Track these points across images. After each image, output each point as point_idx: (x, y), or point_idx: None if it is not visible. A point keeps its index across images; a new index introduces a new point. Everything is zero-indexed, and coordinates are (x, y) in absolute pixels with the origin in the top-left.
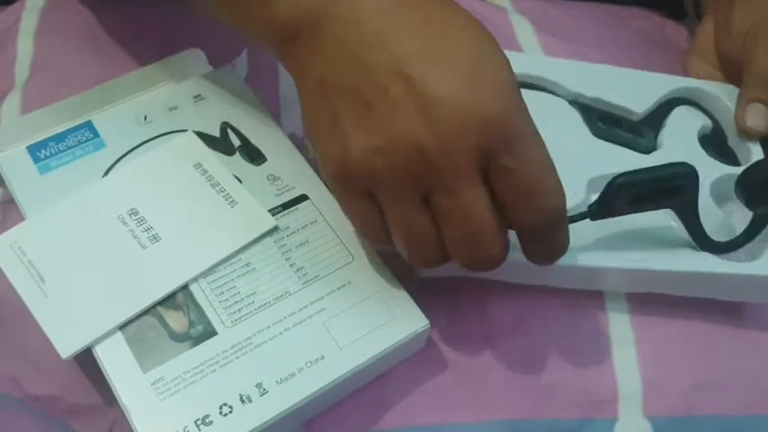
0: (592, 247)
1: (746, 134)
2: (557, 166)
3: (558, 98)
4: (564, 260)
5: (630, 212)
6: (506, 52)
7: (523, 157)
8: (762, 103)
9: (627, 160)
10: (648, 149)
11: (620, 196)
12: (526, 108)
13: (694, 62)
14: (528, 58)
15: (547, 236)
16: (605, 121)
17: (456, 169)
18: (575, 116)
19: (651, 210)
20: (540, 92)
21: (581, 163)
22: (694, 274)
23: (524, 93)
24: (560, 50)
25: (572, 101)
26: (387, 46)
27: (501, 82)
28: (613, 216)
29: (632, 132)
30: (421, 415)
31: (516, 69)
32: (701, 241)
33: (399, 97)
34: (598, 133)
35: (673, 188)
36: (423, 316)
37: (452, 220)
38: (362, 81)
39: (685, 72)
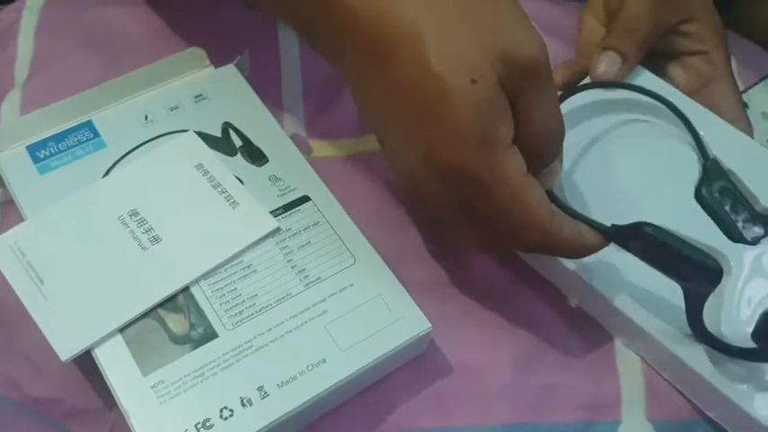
0: (615, 274)
1: (597, 81)
2: (640, 199)
3: (693, 152)
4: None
5: (640, 259)
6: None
7: (487, 202)
8: (616, 52)
9: (703, 232)
10: (740, 239)
11: (638, 241)
12: (493, 153)
13: (587, 18)
14: (694, 109)
15: (539, 252)
16: (723, 194)
17: (440, 205)
18: (693, 171)
19: (660, 272)
20: (683, 139)
21: (662, 214)
22: (681, 362)
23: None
24: (564, 54)
25: (706, 160)
26: (382, 95)
27: (464, 133)
28: (626, 250)
29: (743, 220)
30: (423, 418)
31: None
32: (697, 332)
33: (388, 145)
34: (702, 198)
35: (687, 273)
36: (425, 319)
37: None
38: (377, 123)
39: (579, 29)
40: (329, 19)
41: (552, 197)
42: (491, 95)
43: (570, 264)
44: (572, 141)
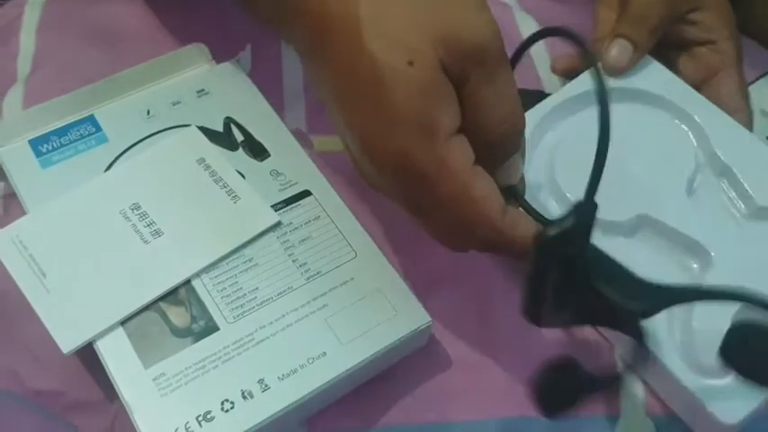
0: None
1: (608, 70)
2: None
3: (690, 142)
4: None
5: None
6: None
7: (430, 195)
8: (627, 39)
9: (691, 226)
10: None
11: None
12: (433, 141)
13: (601, 10)
14: (695, 100)
15: (493, 252)
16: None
17: (393, 197)
18: (689, 161)
19: None
20: (684, 131)
21: (654, 205)
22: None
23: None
24: (564, 50)
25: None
26: (327, 83)
27: (400, 120)
28: None
29: None
30: (422, 412)
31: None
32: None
33: (338, 132)
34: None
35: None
36: (425, 313)
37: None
38: (328, 109)
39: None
40: (283, 8)
41: (516, 195)
42: (430, 78)
43: None
44: (569, 130)
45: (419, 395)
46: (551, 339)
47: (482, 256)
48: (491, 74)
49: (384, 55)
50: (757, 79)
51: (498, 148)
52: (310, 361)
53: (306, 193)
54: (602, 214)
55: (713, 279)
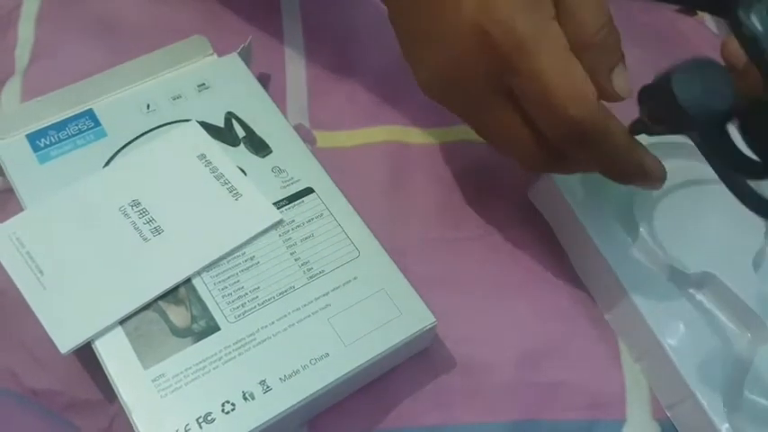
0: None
1: None
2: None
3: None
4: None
5: (657, 131)
6: None
7: (530, 65)
8: None
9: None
10: None
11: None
12: (538, 15)
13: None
14: None
15: (585, 148)
16: None
17: (475, 95)
18: (758, 241)
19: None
20: None
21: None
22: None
23: None
24: None
25: None
26: None
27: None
28: (649, 134)
29: None
30: (426, 414)
31: None
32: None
33: (420, 45)
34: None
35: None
36: (430, 313)
37: (492, 138)
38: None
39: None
40: None
41: None
42: None
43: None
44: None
45: (423, 397)
46: (556, 341)
47: (488, 257)
48: None
49: None
50: None
51: (593, 52)
52: (313, 362)
53: (308, 191)
54: (672, 260)
55: (763, 354)
